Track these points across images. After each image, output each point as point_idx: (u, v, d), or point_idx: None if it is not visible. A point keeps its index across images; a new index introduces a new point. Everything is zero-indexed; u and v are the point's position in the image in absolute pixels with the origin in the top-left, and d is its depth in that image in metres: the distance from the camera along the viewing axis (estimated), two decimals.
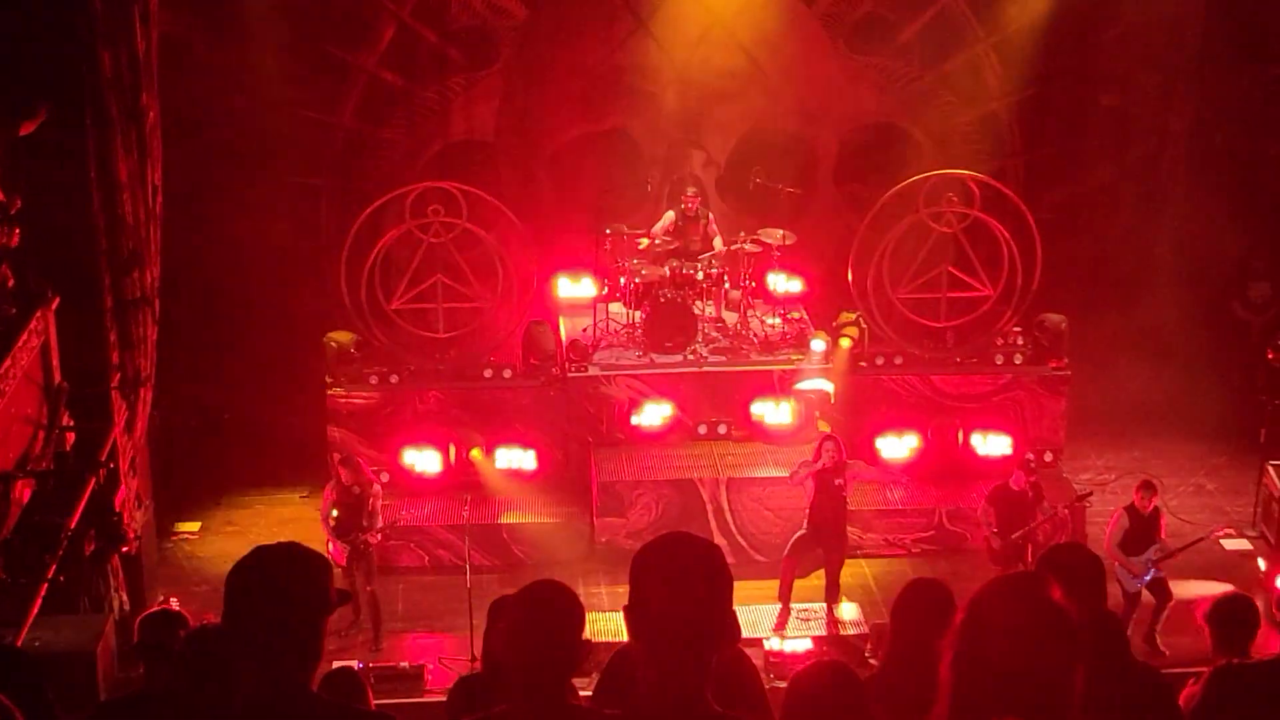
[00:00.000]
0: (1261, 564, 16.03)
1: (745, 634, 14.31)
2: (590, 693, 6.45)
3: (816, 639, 14.77)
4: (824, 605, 15.58)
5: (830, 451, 15.19)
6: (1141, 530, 14.91)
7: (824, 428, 16.89)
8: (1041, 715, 3.46)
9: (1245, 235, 18.67)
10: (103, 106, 13.46)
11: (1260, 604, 15.26)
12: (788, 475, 15.67)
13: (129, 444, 14.70)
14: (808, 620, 15.41)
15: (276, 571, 4.30)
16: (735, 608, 4.20)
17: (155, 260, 14.76)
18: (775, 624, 15.22)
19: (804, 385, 17.36)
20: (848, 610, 15.63)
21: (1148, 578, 14.84)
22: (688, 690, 4.06)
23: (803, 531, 15.44)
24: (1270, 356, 16.83)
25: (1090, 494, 16.15)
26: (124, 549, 14.38)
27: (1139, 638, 14.73)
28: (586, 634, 4.95)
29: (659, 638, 4.07)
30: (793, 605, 15.46)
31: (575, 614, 4.92)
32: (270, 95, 18.13)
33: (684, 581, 4.06)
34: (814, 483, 15.26)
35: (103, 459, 13.70)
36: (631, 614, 4.14)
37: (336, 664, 10.44)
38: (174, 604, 13.68)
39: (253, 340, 18.35)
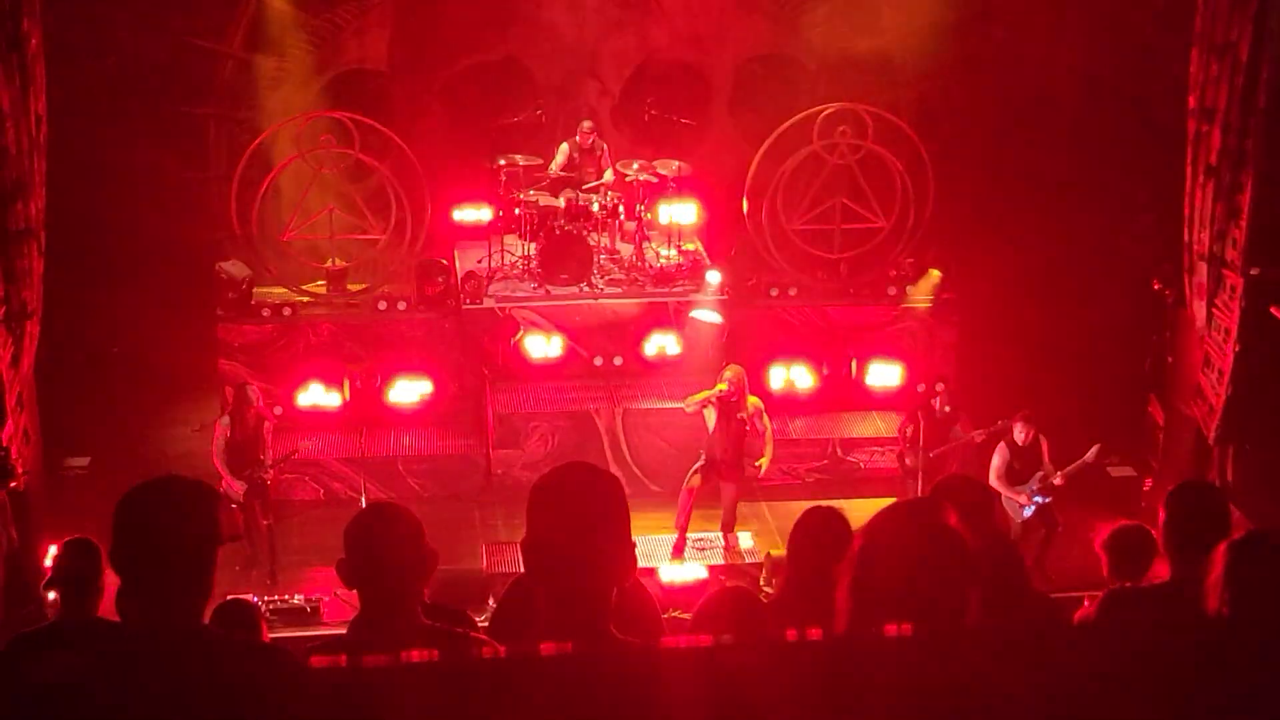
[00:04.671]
0: (1147, 485, 16.40)
1: (641, 564, 14.38)
2: (486, 623, 6.46)
3: (712, 568, 14.88)
4: (719, 534, 15.70)
5: (733, 382, 15.22)
6: (1023, 461, 15.17)
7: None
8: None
9: (1133, 167, 18.89)
10: None
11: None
12: (684, 407, 15.67)
13: (15, 378, 14.45)
14: (703, 550, 15.53)
15: (162, 504, 4.26)
16: (633, 538, 4.21)
17: (40, 191, 14.46)
18: (672, 552, 15.31)
19: (696, 314, 17.38)
20: (743, 539, 15.75)
21: (1034, 506, 15.10)
22: (588, 621, 4.07)
23: (701, 461, 15.52)
24: (1156, 287, 17.07)
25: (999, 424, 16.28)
26: (12, 484, 14.18)
27: (1029, 564, 15.01)
28: (428, 540, 5.01)
29: (558, 571, 4.07)
30: (689, 535, 15.57)
31: (406, 526, 4.96)
32: (158, 22, 17.76)
33: (581, 513, 4.06)
34: (717, 412, 15.31)
35: None
36: (529, 548, 4.14)
37: (230, 597, 10.39)
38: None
39: (142, 272, 18.05)
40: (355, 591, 5.01)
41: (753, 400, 15.47)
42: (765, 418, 15.54)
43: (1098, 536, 8.26)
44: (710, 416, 15.37)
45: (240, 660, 4.17)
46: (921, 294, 18.18)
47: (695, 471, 15.53)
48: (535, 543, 4.11)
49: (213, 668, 4.09)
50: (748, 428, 15.38)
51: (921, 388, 16.37)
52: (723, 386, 15.19)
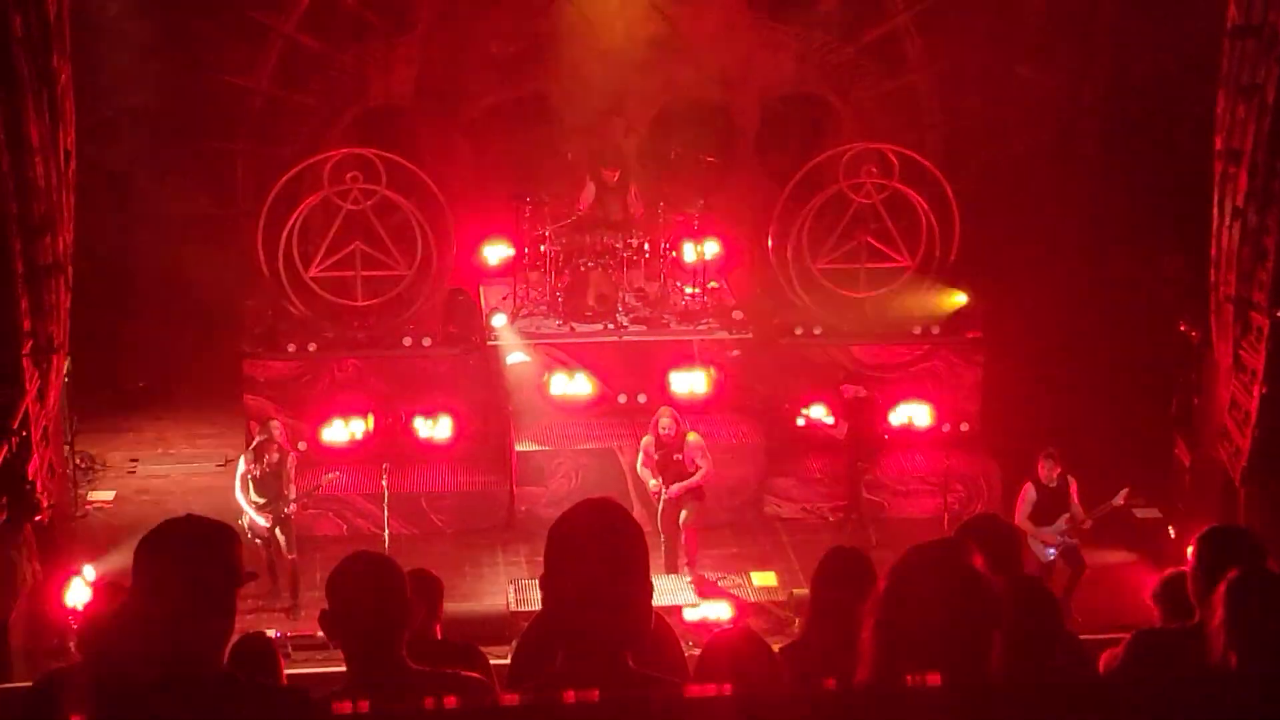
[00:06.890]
0: (1171, 532, 16.27)
1: (664, 602, 14.34)
2: (508, 660, 6.44)
3: (738, 606, 14.84)
4: (743, 576, 15.62)
5: (668, 427, 15.24)
6: (1049, 501, 15.08)
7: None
8: (960, 677, 3.50)
9: (1158, 208, 18.85)
10: (12, 67, 13.21)
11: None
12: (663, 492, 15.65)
13: (41, 412, 14.48)
14: (729, 589, 15.46)
15: (182, 544, 4.27)
16: (653, 576, 4.20)
17: (68, 226, 14.51)
18: (695, 591, 15.21)
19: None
20: (766, 579, 15.68)
21: (1060, 547, 15.01)
22: (605, 658, 4.05)
23: (663, 499, 15.49)
24: (1182, 329, 17.00)
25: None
26: (37, 518, 14.20)
27: None
28: (410, 592, 5.04)
29: (574, 607, 4.06)
30: (710, 574, 15.52)
31: (389, 577, 4.99)
32: (186, 59, 17.88)
33: (596, 550, 4.06)
34: (657, 454, 15.33)
35: (15, 427, 13.51)
36: (546, 585, 4.13)
37: (250, 631, 10.36)
38: (88, 572, 13.61)
39: (168, 308, 18.13)
40: (337, 642, 5.05)
41: (692, 437, 15.43)
42: (705, 455, 15.48)
43: (1147, 589, 8.14)
44: (651, 459, 15.42)
45: (259, 705, 4.15)
46: (946, 308, 18.14)
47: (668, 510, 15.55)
48: (551, 579, 4.11)
49: (231, 712, 4.07)
50: (690, 468, 15.34)
51: (946, 427, 16.35)
52: (662, 429, 15.21)
